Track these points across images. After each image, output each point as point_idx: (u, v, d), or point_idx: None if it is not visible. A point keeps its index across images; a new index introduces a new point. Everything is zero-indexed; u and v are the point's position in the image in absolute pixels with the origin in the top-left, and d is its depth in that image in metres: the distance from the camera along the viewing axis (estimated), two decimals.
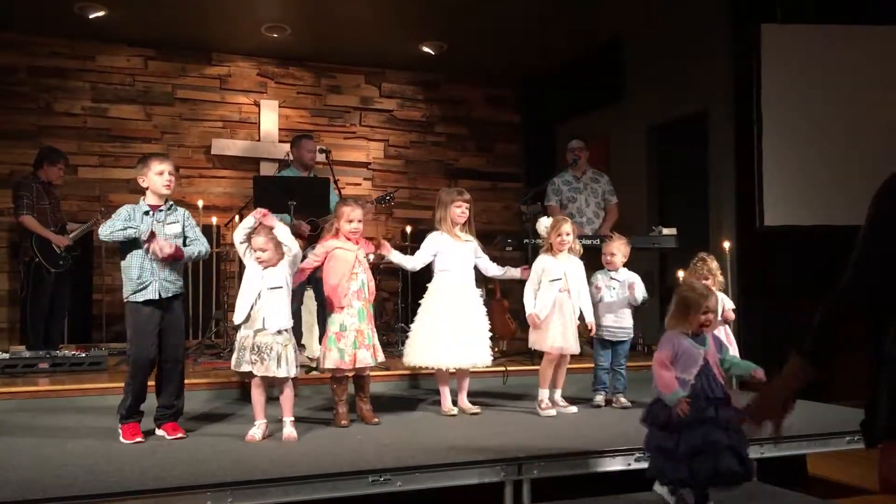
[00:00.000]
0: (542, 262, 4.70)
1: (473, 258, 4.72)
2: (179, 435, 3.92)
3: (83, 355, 5.60)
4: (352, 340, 4.21)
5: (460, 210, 4.65)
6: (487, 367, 4.78)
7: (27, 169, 7.41)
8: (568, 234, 4.65)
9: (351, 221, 4.30)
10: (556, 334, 4.57)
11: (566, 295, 4.61)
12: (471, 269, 4.70)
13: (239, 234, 3.95)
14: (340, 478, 3.22)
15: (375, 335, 4.36)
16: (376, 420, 4.26)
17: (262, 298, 3.90)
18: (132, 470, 3.24)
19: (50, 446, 3.73)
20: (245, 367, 3.87)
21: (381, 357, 4.37)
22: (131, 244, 3.92)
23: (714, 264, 4.70)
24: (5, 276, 7.69)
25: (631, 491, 3.59)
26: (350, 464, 3.36)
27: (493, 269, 4.81)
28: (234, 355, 3.93)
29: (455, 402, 4.65)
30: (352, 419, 4.29)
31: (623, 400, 4.80)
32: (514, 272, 4.77)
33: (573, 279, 4.65)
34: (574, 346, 4.62)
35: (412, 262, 4.65)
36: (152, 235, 3.87)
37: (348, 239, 4.32)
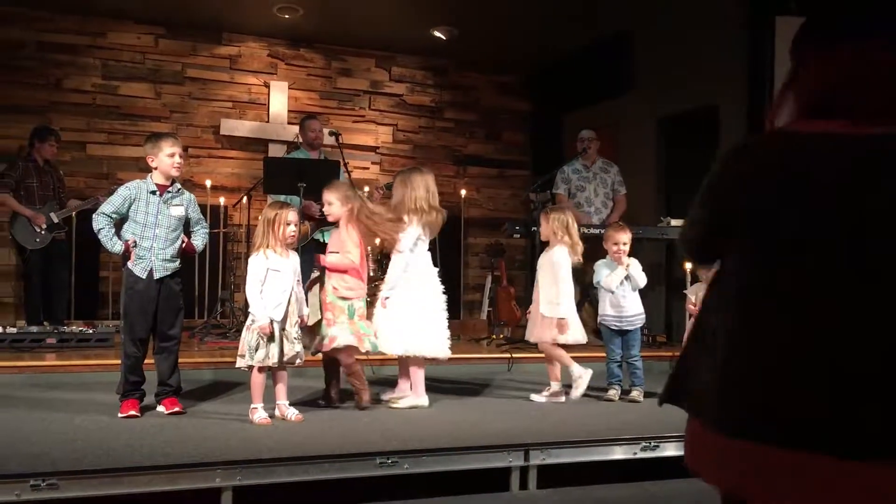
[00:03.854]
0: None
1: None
2: (176, 409, 3.96)
3: (90, 331, 5.62)
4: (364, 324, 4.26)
5: None
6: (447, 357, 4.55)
7: None
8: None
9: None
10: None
11: None
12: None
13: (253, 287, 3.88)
14: (348, 459, 3.24)
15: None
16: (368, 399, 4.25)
17: (295, 290, 3.94)
18: (141, 446, 3.26)
19: (58, 421, 3.75)
20: (272, 358, 3.80)
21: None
22: (132, 222, 3.97)
23: None
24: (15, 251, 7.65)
25: (640, 479, 3.60)
26: (357, 446, 3.38)
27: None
28: (266, 349, 3.79)
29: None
30: (348, 406, 4.28)
31: (634, 394, 4.67)
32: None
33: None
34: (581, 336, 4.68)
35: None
36: (127, 250, 3.90)
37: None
